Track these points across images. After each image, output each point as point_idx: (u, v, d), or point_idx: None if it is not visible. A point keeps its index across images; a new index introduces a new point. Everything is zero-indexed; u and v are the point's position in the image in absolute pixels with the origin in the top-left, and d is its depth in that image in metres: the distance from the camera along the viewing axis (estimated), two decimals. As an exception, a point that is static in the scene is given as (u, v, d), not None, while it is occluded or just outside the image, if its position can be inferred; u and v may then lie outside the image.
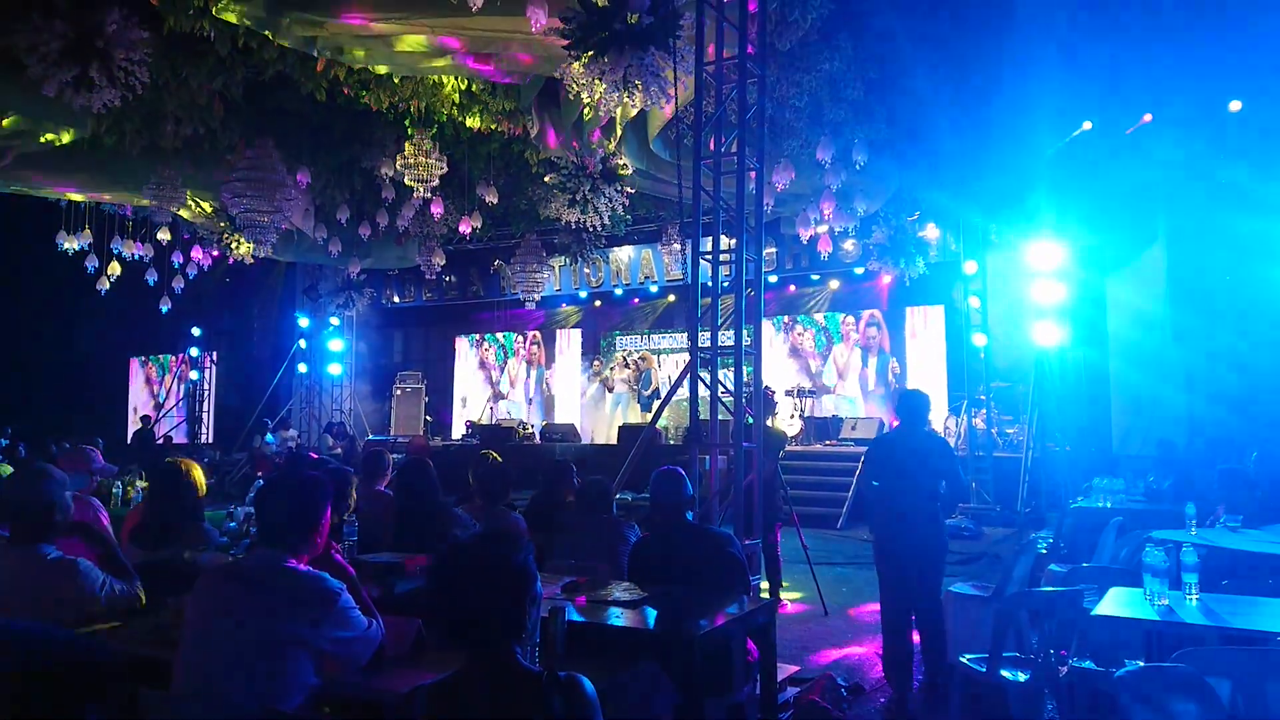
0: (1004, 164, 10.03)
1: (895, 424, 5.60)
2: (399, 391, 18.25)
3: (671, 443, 13.56)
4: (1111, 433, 11.34)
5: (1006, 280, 12.54)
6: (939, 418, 13.84)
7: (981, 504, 11.53)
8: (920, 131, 9.13)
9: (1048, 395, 11.57)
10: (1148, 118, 10.02)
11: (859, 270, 14.25)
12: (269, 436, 16.06)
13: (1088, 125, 10.32)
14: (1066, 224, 10.87)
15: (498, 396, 19.00)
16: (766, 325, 14.67)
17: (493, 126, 9.08)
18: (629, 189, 10.13)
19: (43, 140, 8.92)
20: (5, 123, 8.26)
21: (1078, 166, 10.43)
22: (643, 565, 3.73)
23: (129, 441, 18.11)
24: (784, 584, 7.08)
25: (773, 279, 15.01)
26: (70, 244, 12.02)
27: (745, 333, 5.82)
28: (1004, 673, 3.68)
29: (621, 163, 9.38)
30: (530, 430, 16.35)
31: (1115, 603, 3.45)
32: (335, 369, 19.19)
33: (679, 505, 3.83)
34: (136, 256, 12.69)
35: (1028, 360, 11.99)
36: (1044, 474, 11.26)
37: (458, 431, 18.00)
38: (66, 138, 8.91)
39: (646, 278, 16.82)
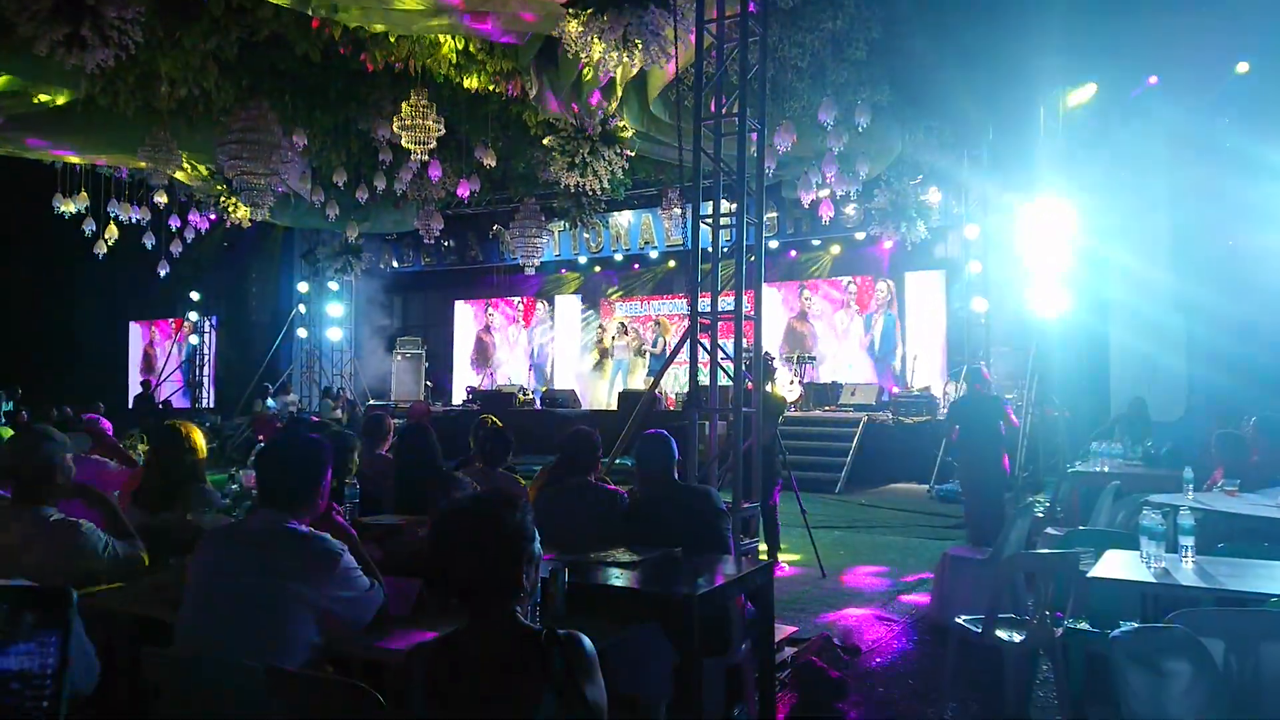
0: (1007, 128, 9.93)
1: (964, 388, 8.58)
2: (399, 356, 18.25)
3: (671, 408, 13.59)
4: (1110, 398, 11.36)
5: (1008, 246, 12.47)
6: (938, 383, 13.90)
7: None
8: (923, 94, 9.01)
9: (1048, 361, 11.56)
10: (1153, 80, 9.89)
11: (860, 235, 14.18)
12: (269, 401, 16.09)
13: (1092, 88, 10.20)
14: (1069, 189, 10.78)
15: (495, 364, 19.01)
16: (767, 290, 14.63)
17: (490, 88, 8.96)
18: (628, 152, 10.04)
19: (36, 101, 8.81)
20: (-1, 82, 8.16)
21: (1081, 130, 10.32)
22: (634, 526, 3.76)
23: (129, 406, 18.15)
24: (782, 547, 7.14)
25: (773, 244, 14.93)
26: (66, 207, 11.93)
27: (745, 297, 5.79)
28: (1000, 634, 3.72)
29: (621, 124, 9.27)
30: (530, 396, 16.38)
31: (1111, 565, 3.47)
32: (335, 334, 19.16)
33: (668, 468, 3.88)
34: (134, 220, 12.60)
35: (1028, 326, 11.97)
36: (1042, 439, 11.29)
37: (458, 397, 18.03)
38: (61, 100, 8.80)
39: (646, 242, 16.73)
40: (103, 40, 6.30)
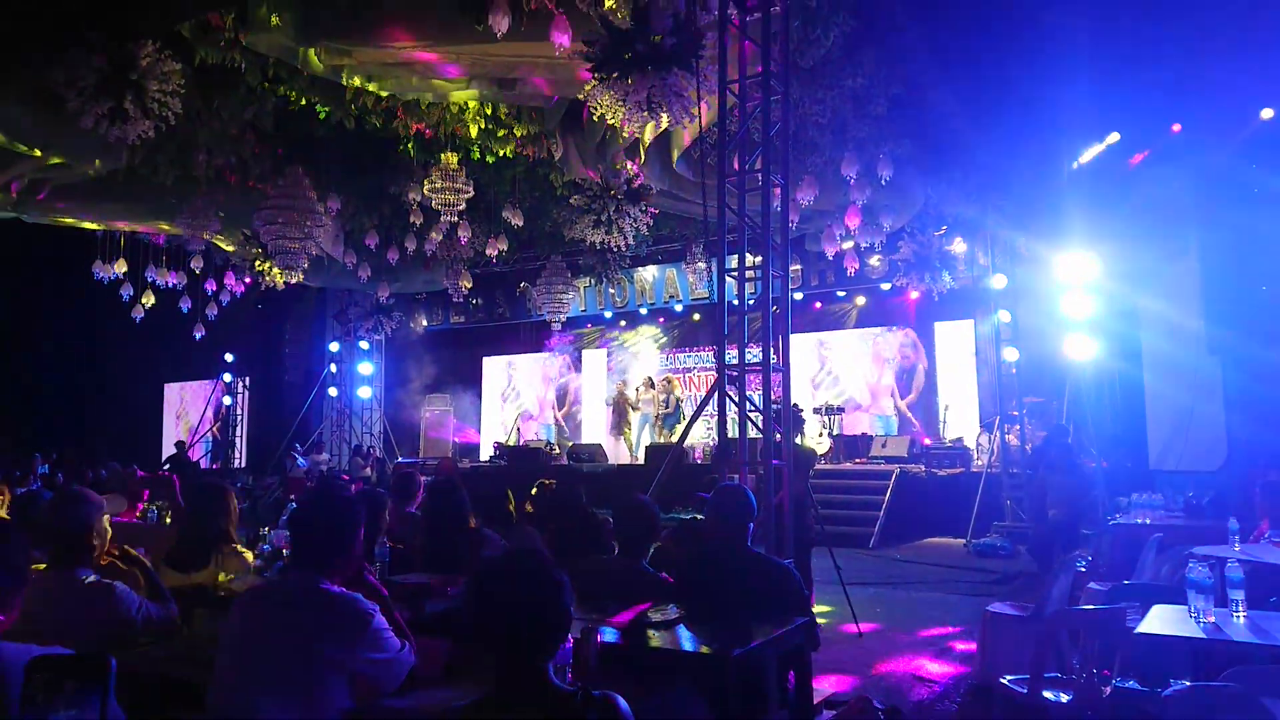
0: (1032, 176, 9.93)
1: (1043, 436, 10.60)
2: (428, 414, 18.34)
3: (700, 462, 13.50)
4: (1148, 448, 11.12)
5: (1037, 294, 12.37)
6: (971, 434, 13.71)
7: (1016, 521, 11.33)
8: (946, 145, 9.06)
9: (1082, 410, 11.38)
10: (1177, 128, 9.89)
11: (886, 286, 14.15)
12: (300, 460, 16.20)
13: (1115, 137, 10.20)
14: (1097, 236, 10.72)
15: (527, 416, 19.07)
16: (794, 342, 14.61)
17: (518, 151, 9.16)
18: (653, 209, 10.16)
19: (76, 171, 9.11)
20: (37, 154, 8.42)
21: (1107, 178, 10.30)
22: (691, 587, 3.55)
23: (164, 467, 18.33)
24: (816, 604, 6.99)
25: (798, 296, 14.93)
26: (105, 272, 12.25)
27: (773, 350, 5.79)
28: (1046, 694, 3.60)
29: (645, 183, 9.41)
30: (557, 451, 16.35)
31: (1159, 621, 3.36)
32: (365, 392, 19.35)
33: (743, 525, 3.61)
34: (171, 285, 12.91)
35: (1060, 375, 11.81)
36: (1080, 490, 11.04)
37: (485, 453, 18.06)
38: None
39: (671, 297, 16.82)
40: (144, 113, 6.53)
